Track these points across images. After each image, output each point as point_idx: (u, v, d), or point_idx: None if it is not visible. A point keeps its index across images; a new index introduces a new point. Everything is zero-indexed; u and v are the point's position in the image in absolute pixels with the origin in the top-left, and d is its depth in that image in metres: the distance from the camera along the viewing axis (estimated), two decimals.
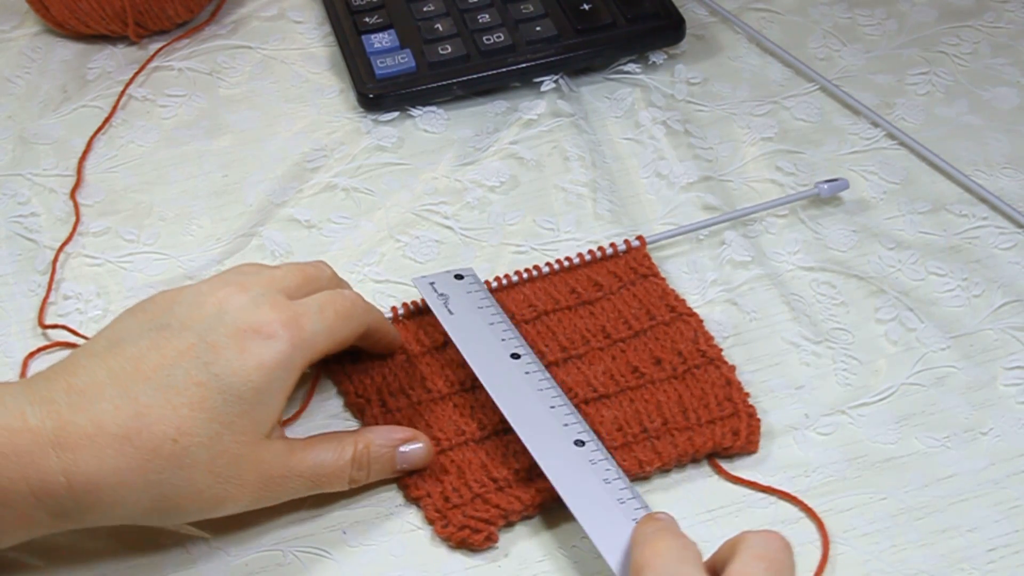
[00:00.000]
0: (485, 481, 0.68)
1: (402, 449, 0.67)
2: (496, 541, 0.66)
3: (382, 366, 0.73)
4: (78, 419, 0.60)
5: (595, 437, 0.68)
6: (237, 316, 0.63)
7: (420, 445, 0.68)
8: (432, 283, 0.75)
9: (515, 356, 0.71)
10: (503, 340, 0.72)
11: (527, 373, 0.70)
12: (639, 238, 0.79)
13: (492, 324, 0.73)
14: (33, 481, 0.59)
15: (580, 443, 0.67)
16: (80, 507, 0.60)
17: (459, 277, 0.75)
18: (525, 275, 0.77)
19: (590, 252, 0.78)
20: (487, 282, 0.76)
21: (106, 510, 0.60)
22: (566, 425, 0.68)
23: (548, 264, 0.77)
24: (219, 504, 0.63)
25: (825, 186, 0.82)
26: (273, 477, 0.64)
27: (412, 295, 0.76)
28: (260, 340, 0.63)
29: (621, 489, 0.65)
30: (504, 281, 0.77)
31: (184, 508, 0.62)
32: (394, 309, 0.75)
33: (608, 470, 0.66)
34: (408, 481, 0.68)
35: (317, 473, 0.65)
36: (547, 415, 0.68)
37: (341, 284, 0.72)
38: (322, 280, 0.70)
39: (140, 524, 0.63)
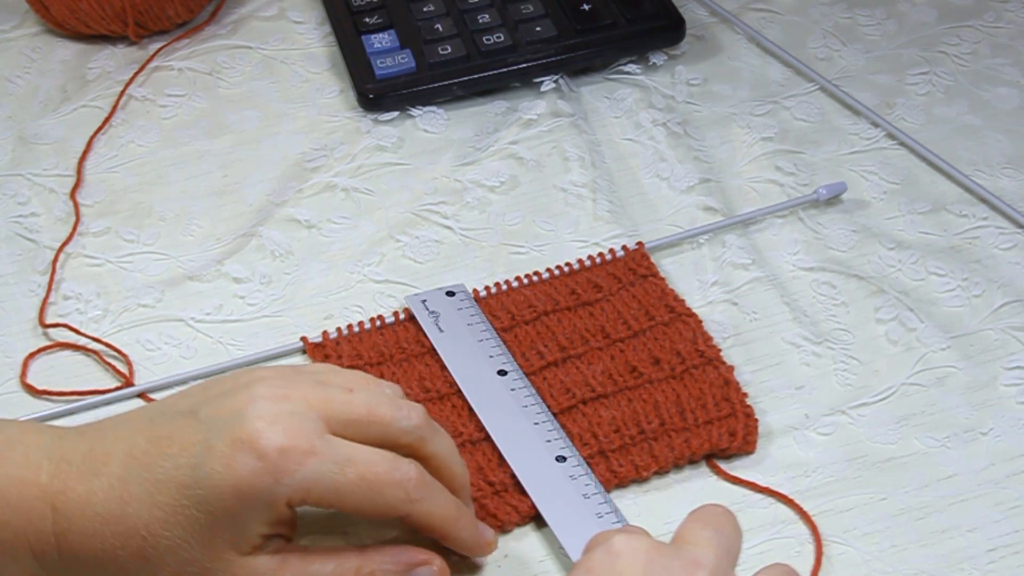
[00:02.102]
0: (482, 485, 0.68)
1: (412, 575, 0.61)
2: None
3: (380, 367, 0.73)
4: (78, 488, 0.59)
5: (576, 452, 0.68)
6: (248, 423, 0.57)
7: (434, 570, 0.61)
8: (424, 300, 0.75)
9: (502, 373, 0.72)
10: (491, 357, 0.73)
11: (512, 390, 0.71)
12: (638, 244, 0.79)
13: (481, 341, 0.73)
14: (31, 538, 0.59)
15: (561, 459, 0.68)
16: (68, 570, 0.59)
17: (450, 294, 0.76)
18: (525, 280, 0.77)
19: (589, 258, 0.78)
20: (487, 287, 0.77)
21: None
22: (548, 441, 0.69)
23: (549, 270, 0.77)
24: None
25: (823, 190, 0.82)
26: None
27: (411, 293, 0.76)
28: (250, 459, 0.57)
29: (600, 504, 0.66)
30: (504, 287, 0.77)
31: None
32: (395, 313, 0.75)
33: (588, 485, 0.67)
34: None
35: None
36: (530, 431, 0.69)
37: (439, 457, 0.62)
38: (394, 432, 0.60)
39: None
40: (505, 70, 0.90)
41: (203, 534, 0.58)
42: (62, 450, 0.60)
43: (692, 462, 0.70)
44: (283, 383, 0.59)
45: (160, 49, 0.93)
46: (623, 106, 0.89)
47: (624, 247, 0.78)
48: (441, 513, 0.61)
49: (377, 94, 0.89)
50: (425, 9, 0.93)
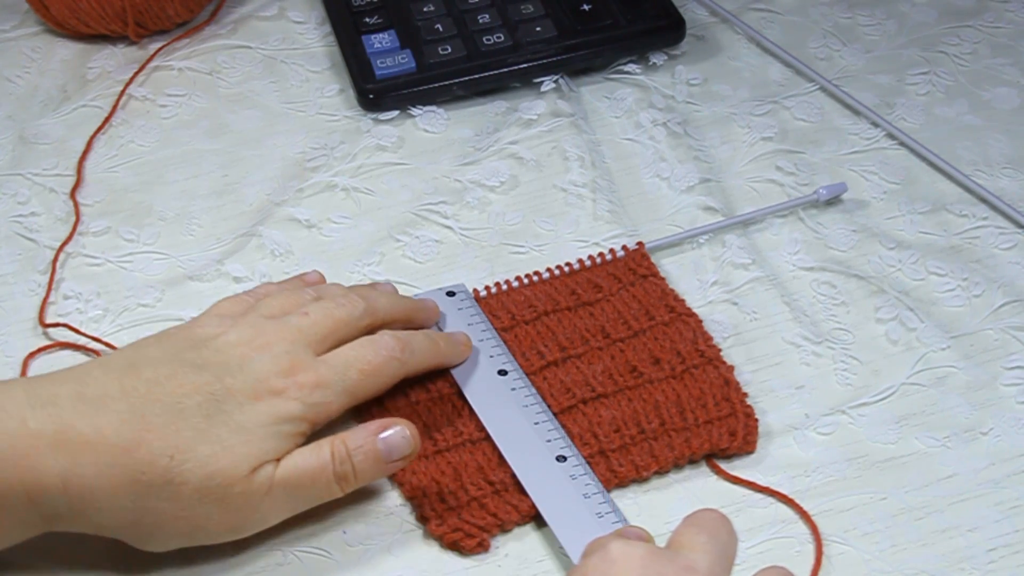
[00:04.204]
0: (482, 484, 0.68)
1: (382, 436, 0.65)
2: (488, 548, 0.66)
3: None
4: (80, 425, 0.60)
5: (577, 452, 0.68)
6: (257, 370, 0.64)
7: (398, 428, 0.66)
8: None
9: (502, 373, 0.72)
10: (491, 357, 0.73)
11: (513, 389, 0.71)
12: (639, 244, 0.79)
13: (482, 341, 0.73)
14: (29, 483, 0.59)
15: (562, 458, 0.68)
16: (72, 511, 0.61)
17: (451, 294, 0.76)
18: (526, 280, 0.77)
19: (590, 258, 0.78)
20: (487, 287, 0.77)
21: (95, 516, 0.61)
22: (549, 441, 0.69)
23: (549, 270, 0.77)
24: (200, 526, 0.63)
25: (824, 190, 0.82)
26: (258, 494, 0.63)
27: (412, 294, 0.76)
28: (272, 397, 0.64)
29: (600, 503, 0.66)
30: (504, 286, 0.77)
31: (166, 526, 0.62)
32: None
33: (588, 484, 0.67)
34: (403, 479, 0.68)
35: (299, 476, 0.64)
36: (531, 431, 0.69)
37: (385, 317, 0.70)
38: (354, 323, 0.68)
39: (124, 539, 0.63)
40: (505, 70, 0.90)
41: (230, 448, 0.62)
42: (40, 396, 0.61)
43: (692, 462, 0.70)
44: (252, 332, 0.66)
45: (160, 49, 0.93)
46: (623, 106, 0.89)
47: (624, 247, 0.78)
48: (427, 355, 0.70)
49: (377, 94, 0.89)
50: (425, 9, 0.93)
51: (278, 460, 0.64)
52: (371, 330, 0.69)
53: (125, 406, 0.61)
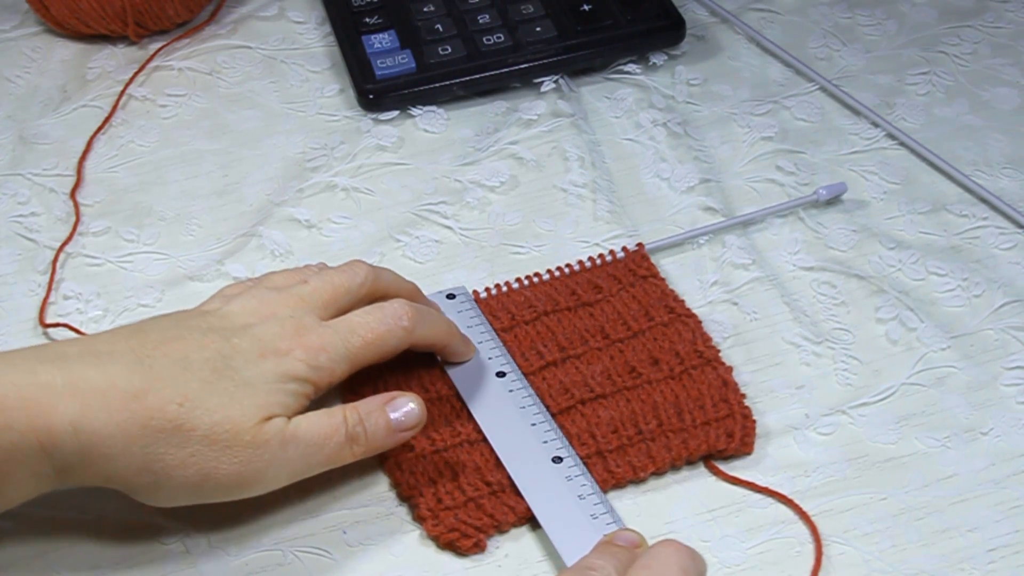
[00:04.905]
0: (479, 485, 0.68)
1: (391, 405, 0.67)
2: (484, 548, 0.66)
3: (380, 367, 0.73)
4: (90, 374, 0.61)
5: (573, 453, 0.68)
6: (262, 333, 0.65)
7: (406, 398, 0.67)
8: None
9: (500, 374, 0.72)
10: (490, 359, 0.73)
11: (511, 391, 0.71)
12: (639, 245, 0.79)
13: (481, 343, 0.73)
14: (41, 432, 0.60)
15: (558, 459, 0.68)
16: (83, 459, 0.61)
17: (451, 296, 0.76)
18: (526, 282, 0.77)
19: (590, 259, 0.78)
20: (487, 288, 0.77)
21: (105, 464, 0.61)
22: (545, 442, 0.69)
23: (549, 271, 0.77)
24: (209, 476, 0.63)
25: (824, 191, 0.82)
26: (268, 445, 0.63)
27: None
28: (277, 356, 0.65)
29: (595, 504, 0.66)
30: (504, 288, 0.77)
31: (173, 475, 0.62)
32: None
33: (583, 486, 0.67)
34: (401, 479, 0.68)
35: (312, 434, 0.65)
36: (527, 432, 0.69)
37: (388, 291, 0.71)
38: (356, 290, 0.69)
39: (132, 492, 0.63)
40: (505, 70, 0.90)
41: (239, 400, 0.63)
42: (49, 352, 0.62)
43: (690, 463, 0.70)
44: (256, 302, 0.67)
45: (160, 49, 0.93)
46: (623, 106, 0.89)
47: (624, 248, 0.78)
48: (435, 329, 0.71)
49: (377, 94, 0.89)
50: (425, 9, 0.93)
51: (289, 418, 0.64)
52: (373, 298, 0.70)
53: (133, 359, 0.62)
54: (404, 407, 0.67)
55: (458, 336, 0.72)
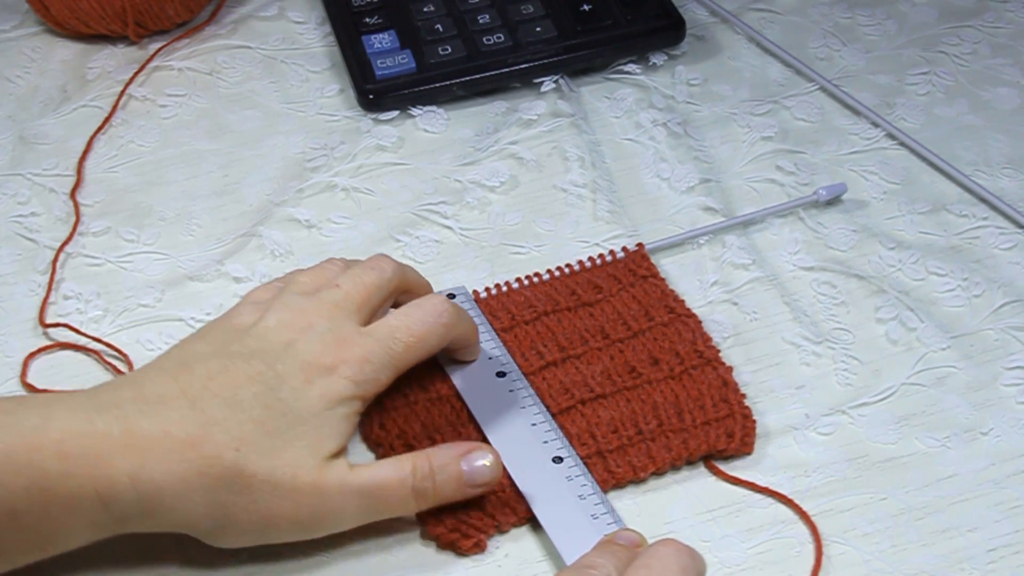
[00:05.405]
0: None
1: (467, 459, 0.65)
2: (484, 549, 0.66)
3: None
4: (145, 424, 0.61)
5: (574, 453, 0.68)
6: (304, 351, 0.65)
7: (483, 453, 0.66)
8: None
9: (500, 374, 0.72)
10: (490, 359, 0.73)
11: (511, 391, 0.71)
12: (639, 245, 0.79)
13: (481, 343, 0.73)
14: (100, 484, 0.60)
15: (558, 460, 0.68)
16: (143, 511, 0.61)
17: (451, 296, 0.76)
18: (526, 282, 0.77)
19: (590, 259, 0.78)
20: (487, 289, 0.77)
21: (167, 514, 0.61)
22: (545, 443, 0.69)
23: (549, 271, 0.77)
24: (272, 521, 0.63)
25: (824, 191, 0.82)
26: (330, 492, 0.63)
27: None
28: (324, 375, 0.64)
29: (595, 505, 0.66)
30: (504, 288, 0.77)
31: (237, 520, 0.62)
32: None
33: (584, 486, 0.67)
34: None
35: (377, 486, 0.64)
36: (528, 432, 0.69)
37: (412, 285, 0.71)
38: (386, 286, 0.69)
39: (195, 535, 0.63)
40: (505, 70, 0.90)
41: (294, 440, 0.62)
42: (104, 401, 0.62)
43: (690, 463, 0.70)
44: (290, 314, 0.66)
45: (160, 49, 0.93)
46: (623, 106, 0.89)
47: (624, 248, 0.78)
48: (469, 324, 0.71)
49: (377, 94, 0.89)
50: (425, 9, 0.93)
51: (351, 464, 0.64)
52: (400, 292, 0.70)
53: (185, 403, 0.62)
54: (480, 462, 0.65)
55: (476, 331, 0.72)
